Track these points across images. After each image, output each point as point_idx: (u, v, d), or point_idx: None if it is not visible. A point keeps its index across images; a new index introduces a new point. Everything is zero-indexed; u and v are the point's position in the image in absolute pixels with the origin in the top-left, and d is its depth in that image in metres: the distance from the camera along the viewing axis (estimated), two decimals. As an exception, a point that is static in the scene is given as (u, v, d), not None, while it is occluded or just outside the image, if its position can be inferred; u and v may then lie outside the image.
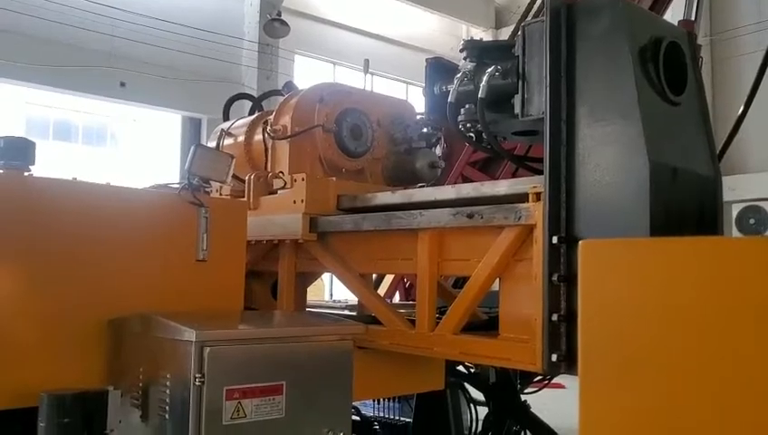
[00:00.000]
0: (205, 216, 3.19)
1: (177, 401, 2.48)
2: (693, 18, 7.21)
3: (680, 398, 1.63)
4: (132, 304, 2.91)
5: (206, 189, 3.33)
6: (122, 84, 12.26)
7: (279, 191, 3.70)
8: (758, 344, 1.52)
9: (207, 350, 2.44)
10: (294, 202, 3.56)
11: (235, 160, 3.80)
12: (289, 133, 3.73)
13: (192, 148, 3.29)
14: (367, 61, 4.22)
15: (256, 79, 13.25)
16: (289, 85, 4.21)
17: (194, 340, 2.43)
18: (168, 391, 2.53)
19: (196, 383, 2.41)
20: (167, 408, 2.53)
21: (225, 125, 4.36)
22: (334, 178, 3.67)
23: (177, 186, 3.29)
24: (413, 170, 3.99)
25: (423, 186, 3.83)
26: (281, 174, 3.70)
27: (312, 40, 15.13)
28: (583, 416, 1.77)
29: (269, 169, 3.86)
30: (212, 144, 4.31)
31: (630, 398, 1.70)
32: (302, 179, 3.57)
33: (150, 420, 2.61)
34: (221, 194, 4.05)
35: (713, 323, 1.58)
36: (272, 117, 3.90)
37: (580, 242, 1.85)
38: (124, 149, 14.38)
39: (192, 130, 13.76)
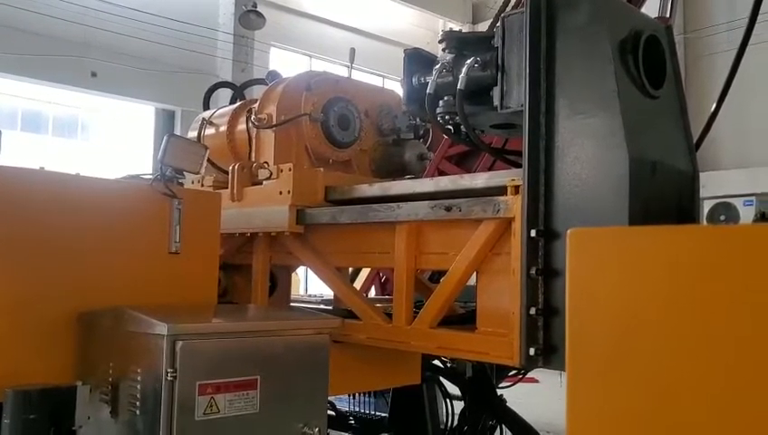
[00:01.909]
0: (178, 207, 3.13)
1: (149, 397, 2.42)
2: (668, 15, 7.27)
3: (670, 389, 1.62)
4: (103, 297, 2.84)
5: (179, 180, 3.26)
6: (94, 75, 12.03)
7: (264, 182, 3.59)
8: (750, 335, 1.51)
9: (180, 344, 2.38)
10: (281, 193, 3.46)
11: (209, 151, 3.73)
12: (274, 122, 3.63)
13: (165, 137, 3.22)
14: (353, 50, 4.15)
15: (231, 71, 13.11)
16: (273, 74, 4.11)
17: (166, 333, 2.38)
18: (138, 387, 2.47)
19: (168, 378, 2.35)
20: (137, 403, 2.47)
21: (207, 114, 4.25)
22: (322, 169, 3.57)
23: (150, 177, 3.21)
24: (401, 162, 3.92)
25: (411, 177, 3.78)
26: (266, 164, 3.60)
27: (287, 32, 15.02)
28: (571, 408, 1.75)
29: (253, 159, 3.75)
30: (192, 134, 4.19)
31: (619, 389, 1.68)
32: (289, 170, 3.46)
33: (120, 416, 2.55)
34: (203, 185, 3.96)
35: (704, 313, 1.57)
36: (256, 105, 3.79)
37: (568, 231, 1.83)
38: (96, 141, 14.13)
39: (165, 122, 13.57)
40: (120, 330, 2.63)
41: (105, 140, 13.95)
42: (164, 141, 3.18)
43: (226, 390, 2.46)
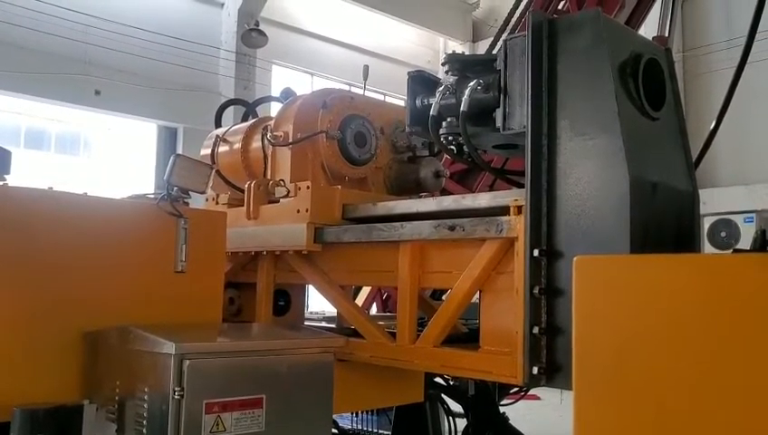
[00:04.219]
0: (184, 227, 3.16)
1: (156, 415, 2.44)
2: (666, 35, 7.33)
3: (674, 410, 1.64)
4: (109, 316, 2.87)
5: (185, 200, 3.29)
6: (97, 93, 12.09)
7: (281, 200, 3.57)
8: (748, 358, 1.54)
9: (187, 363, 2.41)
10: (298, 211, 3.44)
11: (214, 171, 3.76)
12: (291, 140, 3.61)
13: (171, 158, 3.26)
14: (366, 67, 4.12)
15: (233, 89, 13.18)
16: (287, 91, 4.09)
17: (173, 353, 2.41)
18: (145, 405, 2.49)
19: (175, 397, 2.38)
20: (144, 422, 2.49)
21: (220, 131, 4.24)
22: (340, 187, 3.56)
23: (155, 196, 3.24)
24: (417, 179, 3.91)
25: (426, 195, 3.79)
26: (282, 182, 3.58)
27: (289, 50, 15.11)
28: (577, 428, 1.78)
29: (269, 177, 3.73)
30: (206, 151, 4.19)
31: (624, 411, 1.71)
32: (307, 188, 3.44)
33: (127, 435, 2.57)
34: (218, 202, 3.98)
35: (705, 339, 1.61)
36: (271, 123, 3.79)
37: (574, 258, 1.87)
38: (98, 157, 14.19)
39: (168, 140, 13.62)
40: (126, 349, 2.65)
41: (107, 156, 14.00)
42: (171, 161, 3.22)
43: (233, 408, 2.48)
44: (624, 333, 1.73)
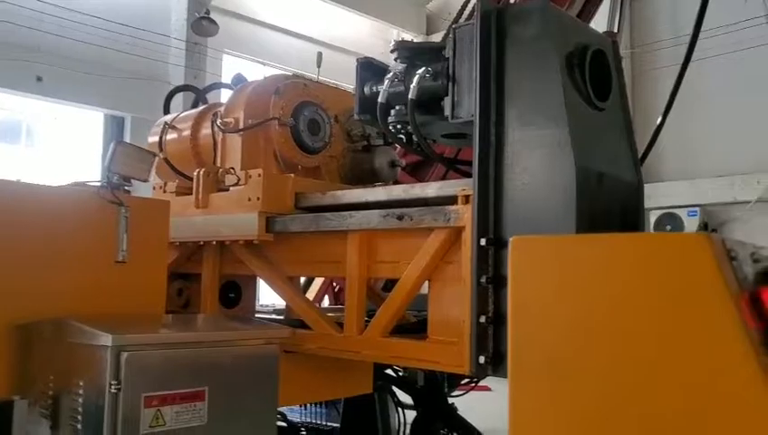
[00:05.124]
0: (125, 215, 3.06)
1: (91, 410, 2.36)
2: (615, 31, 7.43)
3: (610, 397, 1.65)
4: (46, 308, 2.75)
5: (126, 188, 3.19)
6: (39, 79, 11.68)
7: (231, 188, 3.48)
8: (686, 340, 1.55)
9: (125, 355, 2.33)
10: (249, 200, 3.35)
11: (157, 159, 3.65)
12: (241, 126, 3.51)
13: (112, 144, 3.16)
14: (320, 54, 4.03)
15: (183, 77, 12.89)
16: (238, 77, 3.97)
17: (110, 344, 2.32)
18: (80, 400, 2.40)
19: (112, 391, 2.30)
20: (79, 417, 2.40)
21: (169, 118, 4.10)
22: (292, 175, 3.47)
23: (97, 184, 3.13)
24: (371, 169, 3.85)
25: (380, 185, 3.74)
26: (232, 170, 3.48)
27: (240, 39, 14.87)
28: (512, 416, 1.77)
29: (218, 165, 3.63)
30: (153, 138, 4.05)
31: (560, 398, 1.71)
32: (259, 176, 3.35)
33: (61, 431, 2.48)
34: (165, 191, 3.85)
35: (642, 321, 1.61)
36: (222, 109, 3.68)
37: (510, 238, 1.86)
38: (41, 147, 13.74)
39: (115, 129, 13.27)
40: (61, 341, 2.55)
41: (52, 146, 13.57)
42: (111, 148, 3.12)
43: (173, 401, 2.41)
44: (562, 315, 1.72)
